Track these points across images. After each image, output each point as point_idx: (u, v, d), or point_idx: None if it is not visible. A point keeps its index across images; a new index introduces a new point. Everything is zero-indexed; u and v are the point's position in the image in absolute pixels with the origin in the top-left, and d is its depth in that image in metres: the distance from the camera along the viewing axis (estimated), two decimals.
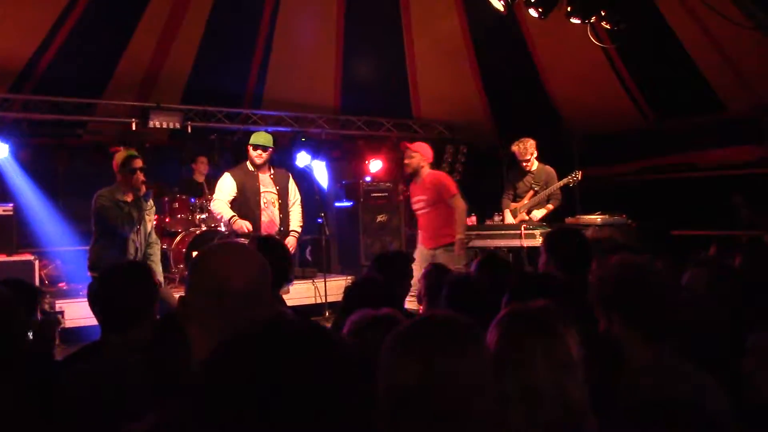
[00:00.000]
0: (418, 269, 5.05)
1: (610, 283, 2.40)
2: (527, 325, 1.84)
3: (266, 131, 6.93)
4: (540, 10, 6.36)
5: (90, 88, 8.50)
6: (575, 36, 7.26)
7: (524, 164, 7.42)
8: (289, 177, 6.75)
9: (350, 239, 9.97)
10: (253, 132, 9.52)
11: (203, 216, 8.49)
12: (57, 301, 7.15)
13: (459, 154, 10.74)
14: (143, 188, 5.70)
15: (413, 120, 10.60)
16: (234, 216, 6.29)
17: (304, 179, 7.12)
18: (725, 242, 4.26)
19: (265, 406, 0.97)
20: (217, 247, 1.78)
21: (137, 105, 8.58)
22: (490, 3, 6.39)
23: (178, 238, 8.36)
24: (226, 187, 6.44)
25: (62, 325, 6.79)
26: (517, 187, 7.63)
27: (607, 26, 6.62)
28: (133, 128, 8.51)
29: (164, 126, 8.47)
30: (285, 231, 6.51)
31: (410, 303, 4.68)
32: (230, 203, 6.42)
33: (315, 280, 8.72)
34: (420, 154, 6.94)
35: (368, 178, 10.51)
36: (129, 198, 5.69)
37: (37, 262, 7.60)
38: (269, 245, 3.96)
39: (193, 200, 8.56)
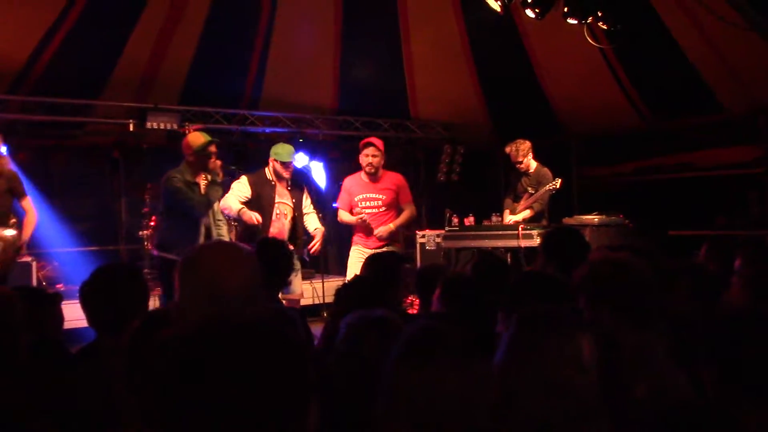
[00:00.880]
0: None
1: (594, 277, 2.40)
2: (543, 325, 1.86)
3: (266, 134, 6.93)
4: (537, 10, 6.36)
5: (87, 89, 8.49)
6: (572, 37, 7.26)
7: (518, 166, 7.43)
8: (304, 191, 6.76)
9: (348, 240, 9.95)
10: (251, 133, 9.61)
11: None
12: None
13: (457, 154, 10.74)
14: (221, 174, 5.78)
15: (411, 120, 10.60)
16: (242, 207, 6.25)
17: (302, 180, 7.11)
18: (720, 242, 4.23)
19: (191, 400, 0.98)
20: (208, 248, 1.77)
21: (135, 106, 8.58)
22: (487, 3, 6.39)
23: None
24: (240, 189, 6.40)
25: None
26: (517, 189, 7.64)
27: (604, 27, 6.62)
28: (131, 129, 8.51)
29: (162, 127, 8.46)
30: (299, 240, 6.53)
31: None
32: (247, 207, 6.37)
33: (313, 281, 8.72)
34: (383, 154, 6.88)
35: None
36: (199, 179, 5.69)
37: (34, 264, 7.61)
38: (270, 247, 3.96)
39: None
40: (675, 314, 2.59)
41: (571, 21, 6.47)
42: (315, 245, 6.57)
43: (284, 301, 6.11)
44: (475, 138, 10.75)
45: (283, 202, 6.48)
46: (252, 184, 6.40)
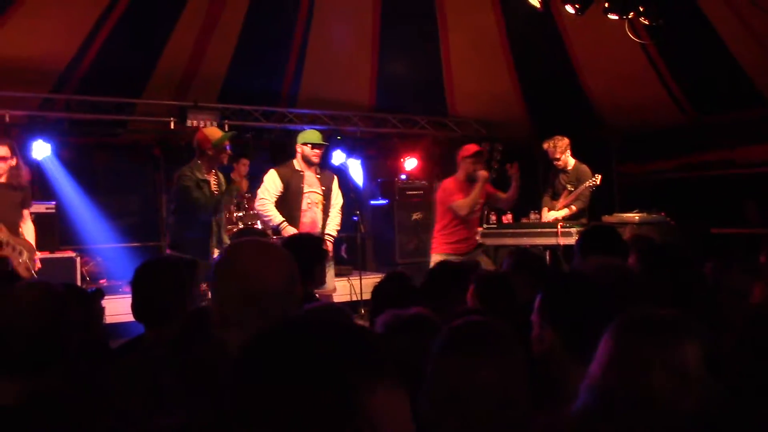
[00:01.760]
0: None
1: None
2: (650, 330, 1.78)
3: (311, 129, 6.88)
4: (577, 6, 6.31)
5: (129, 88, 8.63)
6: (613, 32, 7.18)
7: (556, 163, 7.38)
8: (334, 179, 6.66)
9: (385, 237, 9.99)
10: (290, 131, 9.67)
11: (240, 213, 8.56)
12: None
13: (495, 151, 10.66)
14: (238, 183, 5.97)
15: (449, 118, 10.57)
16: (284, 221, 6.19)
17: (340, 177, 7.10)
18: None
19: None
20: (244, 246, 1.77)
21: (175, 104, 8.69)
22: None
23: None
24: (272, 185, 6.32)
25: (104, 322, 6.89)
26: (555, 186, 7.59)
27: (646, 22, 6.54)
28: (172, 127, 8.63)
29: (202, 125, 8.56)
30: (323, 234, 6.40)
31: None
32: (277, 200, 6.34)
33: (351, 278, 8.76)
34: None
35: (403, 176, 10.51)
36: (210, 176, 5.72)
37: (78, 259, 7.75)
38: (297, 244, 3.96)
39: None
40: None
41: (612, 16, 6.41)
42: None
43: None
44: (513, 135, 10.67)
45: (312, 191, 6.39)
46: (281, 176, 6.33)
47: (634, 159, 10.17)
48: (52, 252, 7.67)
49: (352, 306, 8.41)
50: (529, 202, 8.35)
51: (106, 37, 7.94)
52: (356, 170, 9.97)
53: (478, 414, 1.56)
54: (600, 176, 7.16)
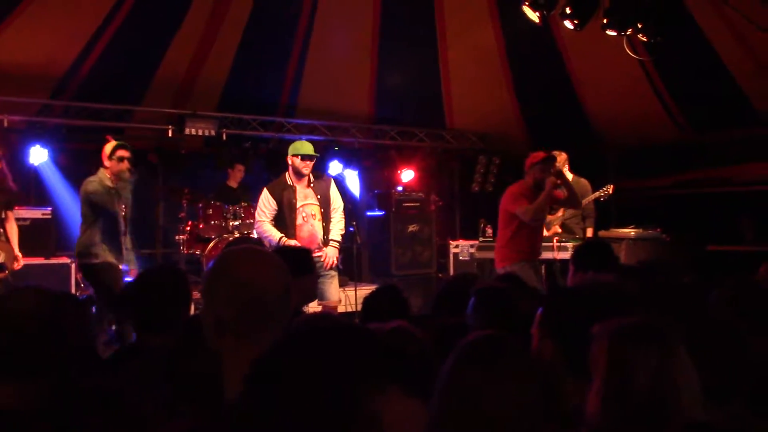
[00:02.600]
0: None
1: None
2: (642, 337, 1.86)
3: (304, 140, 6.77)
4: (576, 22, 6.33)
5: (128, 95, 8.64)
6: (611, 48, 7.21)
7: None
8: (330, 183, 6.45)
9: (382, 248, 9.98)
10: (287, 140, 9.68)
11: (236, 222, 8.55)
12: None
13: (492, 165, 10.71)
14: (127, 173, 5.93)
15: (446, 130, 10.60)
16: (282, 237, 6.09)
17: (337, 188, 7.06)
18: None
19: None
20: (239, 252, 1.77)
21: (174, 112, 8.71)
22: (525, 14, 6.38)
23: (211, 244, 8.43)
24: (266, 205, 6.18)
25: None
26: None
27: (644, 39, 6.56)
28: (170, 135, 8.64)
29: (200, 133, 8.58)
30: (327, 241, 6.28)
31: None
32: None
33: (346, 289, 8.74)
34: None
35: (400, 188, 10.52)
36: (114, 185, 5.91)
37: (73, 266, 7.71)
38: (284, 257, 3.91)
39: (226, 206, 8.63)
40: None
41: (610, 33, 6.43)
42: (321, 257, 6.11)
43: (321, 308, 6.11)
44: (510, 149, 10.71)
45: (307, 203, 6.20)
46: (273, 194, 6.18)
47: (631, 175, 10.18)
48: (47, 258, 7.65)
49: (347, 317, 8.39)
50: None
51: (106, 44, 7.97)
52: (353, 181, 9.97)
53: (493, 428, 1.57)
54: (612, 186, 7.18)
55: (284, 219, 6.14)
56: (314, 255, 5.67)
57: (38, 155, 7.92)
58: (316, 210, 6.23)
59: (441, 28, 9.03)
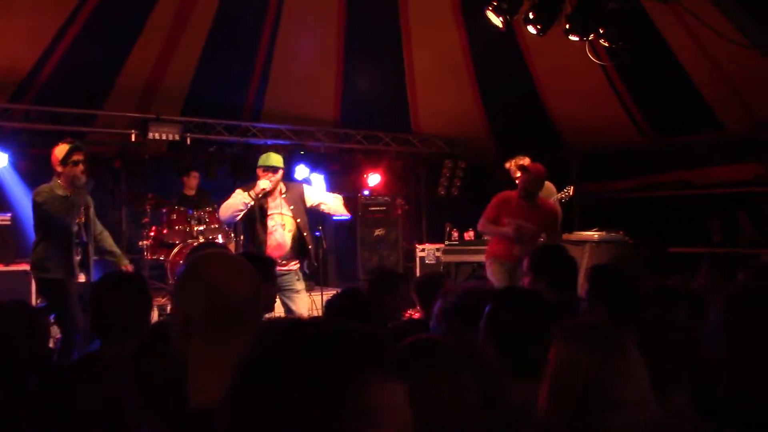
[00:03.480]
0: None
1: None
2: (586, 336, 1.92)
3: (271, 151, 6.62)
4: (538, 27, 6.38)
5: (90, 99, 8.52)
6: (574, 53, 7.28)
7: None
8: (302, 188, 6.38)
9: (348, 252, 9.98)
10: (253, 145, 9.64)
11: (201, 228, 8.49)
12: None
13: (457, 169, 10.76)
14: (83, 178, 5.48)
15: (412, 134, 10.63)
16: (245, 191, 5.96)
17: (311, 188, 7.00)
18: (722, 260, 4.24)
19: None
20: (210, 257, 1.76)
21: (137, 116, 8.61)
22: (489, 19, 6.42)
23: (176, 250, 8.36)
24: (232, 199, 6.07)
25: (58, 336, 6.77)
26: None
27: (606, 44, 6.64)
28: (133, 140, 8.54)
29: (163, 138, 8.49)
30: (303, 253, 6.19)
31: None
32: (241, 219, 6.14)
33: (312, 293, 8.70)
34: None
35: (366, 192, 10.52)
36: (68, 192, 5.47)
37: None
38: (253, 262, 3.87)
39: (191, 212, 8.56)
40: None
41: (573, 38, 6.49)
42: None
43: None
44: (476, 153, 10.78)
45: (277, 212, 6.09)
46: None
47: (594, 178, 10.31)
48: (6, 265, 7.53)
49: None
50: None
51: (67, 47, 7.84)
52: (319, 185, 9.95)
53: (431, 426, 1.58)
54: (572, 187, 7.24)
55: (254, 223, 6.03)
56: (280, 268, 5.71)
57: None
58: (287, 221, 6.12)
59: (406, 33, 9.05)
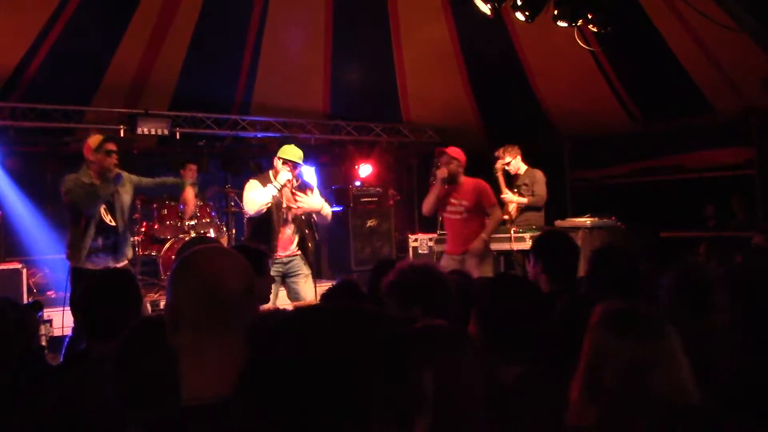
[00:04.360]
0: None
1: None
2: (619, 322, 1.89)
3: (258, 139, 6.63)
4: (527, 13, 6.35)
5: (78, 95, 8.46)
6: (563, 39, 7.27)
7: (507, 169, 7.53)
8: (312, 189, 6.42)
9: (340, 244, 9.95)
10: (243, 138, 9.60)
11: (192, 222, 8.45)
12: (45, 310, 7.08)
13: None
14: (115, 170, 5.49)
15: (403, 125, 10.60)
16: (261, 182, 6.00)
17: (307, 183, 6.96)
18: (715, 243, 4.25)
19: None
20: (204, 251, 1.75)
21: (125, 112, 8.56)
22: (477, 7, 6.38)
23: (167, 245, 8.32)
24: (256, 188, 6.04)
25: (50, 333, 6.76)
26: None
27: (594, 29, 6.62)
28: (122, 135, 8.48)
29: (152, 132, 8.44)
30: (304, 245, 6.20)
31: None
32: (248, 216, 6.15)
33: None
34: (459, 160, 6.61)
35: (358, 183, 10.50)
36: (96, 181, 5.46)
37: (24, 271, 7.55)
38: (247, 254, 3.86)
39: (182, 207, 8.51)
40: None
41: (561, 24, 6.47)
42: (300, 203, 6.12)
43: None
44: (467, 142, 10.73)
45: (292, 207, 6.15)
46: (263, 184, 6.06)
47: (586, 165, 10.32)
48: None
49: None
50: None
51: (53, 43, 7.78)
52: (310, 177, 9.91)
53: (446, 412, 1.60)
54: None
55: (270, 216, 6.01)
56: (287, 254, 6.04)
57: None
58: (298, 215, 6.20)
59: (394, 23, 9.01)
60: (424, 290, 2.72)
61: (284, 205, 6.12)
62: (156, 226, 8.54)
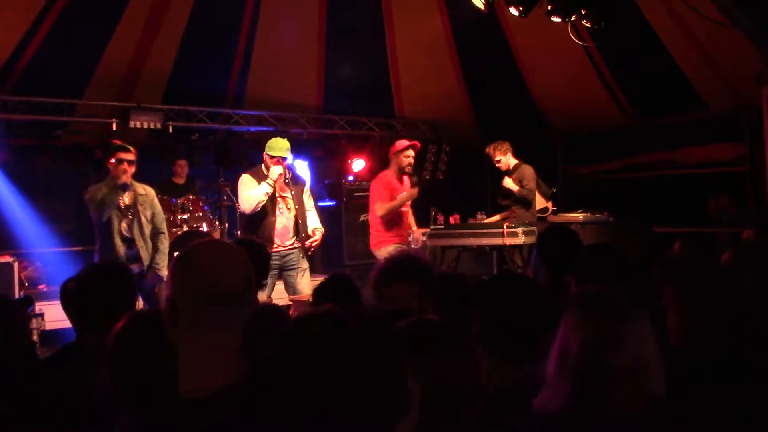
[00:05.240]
0: None
1: None
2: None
3: (251, 133, 6.68)
4: (520, 8, 6.36)
5: (70, 88, 8.42)
6: (556, 34, 7.27)
7: (497, 164, 7.55)
8: (304, 186, 6.53)
9: (333, 239, 9.94)
10: (235, 132, 9.57)
11: (185, 216, 8.43)
12: (37, 304, 7.06)
13: (442, 153, 10.74)
14: (123, 177, 5.61)
15: (396, 119, 10.59)
16: (253, 177, 6.11)
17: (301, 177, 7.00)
18: (702, 239, 4.27)
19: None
20: (203, 245, 1.75)
21: (117, 105, 8.51)
22: (470, 1, 6.38)
23: None
24: (249, 184, 6.14)
25: (42, 327, 6.74)
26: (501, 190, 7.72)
27: (588, 24, 6.63)
28: (114, 129, 8.44)
29: (145, 126, 8.40)
30: (302, 235, 6.25)
31: None
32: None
33: None
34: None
35: (351, 178, 10.49)
36: (108, 188, 5.67)
37: (16, 264, 7.52)
38: (248, 247, 3.88)
39: (174, 200, 8.49)
40: None
41: (555, 19, 6.48)
42: (313, 243, 6.31)
43: (292, 303, 6.08)
44: (460, 137, 10.76)
45: (284, 196, 6.23)
46: (255, 179, 6.15)
47: (578, 160, 10.34)
48: None
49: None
50: (476, 203, 8.42)
51: (44, 35, 7.74)
52: (303, 172, 9.90)
53: (439, 405, 1.60)
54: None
55: (264, 207, 6.08)
56: (285, 248, 6.10)
57: None
58: (291, 204, 6.27)
59: (388, 17, 9.00)
60: (408, 268, 2.86)
61: (277, 197, 6.17)
62: None
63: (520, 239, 6.68)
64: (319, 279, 8.51)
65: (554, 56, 8.63)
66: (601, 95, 9.10)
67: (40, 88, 8.08)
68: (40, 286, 8.38)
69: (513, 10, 6.40)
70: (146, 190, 5.93)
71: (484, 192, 8.68)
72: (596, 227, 7.28)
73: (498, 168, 7.66)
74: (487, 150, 7.65)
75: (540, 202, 7.80)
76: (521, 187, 7.38)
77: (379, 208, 6.67)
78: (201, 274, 1.62)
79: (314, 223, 6.47)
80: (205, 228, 8.49)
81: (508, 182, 7.44)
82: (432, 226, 7.95)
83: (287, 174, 6.24)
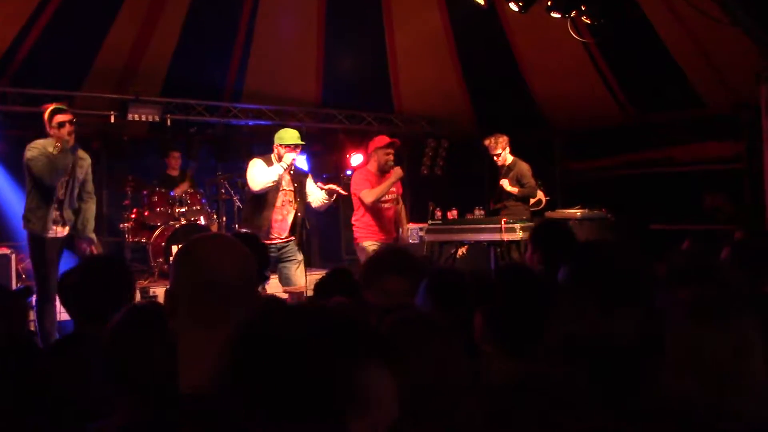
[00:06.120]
0: None
1: None
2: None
3: (249, 127, 6.66)
4: (520, 4, 6.37)
5: (68, 80, 8.40)
6: (556, 31, 7.28)
7: (495, 159, 7.54)
8: (307, 177, 6.49)
9: (331, 233, 9.97)
10: (234, 125, 9.57)
11: (182, 209, 8.43)
12: (34, 296, 7.06)
13: (440, 148, 10.74)
14: (71, 140, 5.53)
15: (395, 114, 10.58)
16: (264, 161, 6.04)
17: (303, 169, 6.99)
18: (702, 237, 4.27)
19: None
20: (205, 239, 1.75)
21: (116, 98, 8.49)
22: None
23: (157, 232, 8.30)
24: (262, 166, 6.07)
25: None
26: (498, 189, 7.72)
27: (587, 21, 6.64)
28: (112, 121, 8.43)
29: (143, 119, 8.39)
30: (295, 231, 6.26)
31: None
32: (249, 196, 6.26)
33: None
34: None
35: (349, 172, 10.48)
36: (57, 152, 5.49)
37: (13, 256, 7.51)
38: (248, 242, 3.89)
39: (172, 193, 8.50)
40: None
41: (555, 15, 6.50)
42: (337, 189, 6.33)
43: (287, 295, 6.10)
44: (458, 132, 10.76)
45: (288, 189, 6.23)
46: (267, 164, 6.09)
47: (576, 157, 10.35)
48: None
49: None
50: (474, 199, 8.42)
51: (43, 27, 7.72)
52: (302, 166, 9.89)
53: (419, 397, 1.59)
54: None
55: (266, 197, 6.08)
56: (282, 239, 6.14)
57: None
58: (292, 198, 6.27)
59: (387, 12, 8.99)
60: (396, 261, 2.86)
61: (281, 187, 6.16)
62: (146, 213, 8.52)
63: (518, 235, 6.69)
64: (317, 273, 8.56)
65: (554, 52, 8.63)
66: (600, 92, 9.10)
67: (39, 80, 8.06)
68: None
69: (513, 6, 6.42)
70: (84, 155, 5.86)
71: (483, 187, 8.67)
72: (594, 224, 7.30)
73: (495, 163, 7.66)
74: (485, 142, 7.62)
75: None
76: (521, 186, 7.38)
77: (367, 195, 6.54)
78: (201, 268, 1.62)
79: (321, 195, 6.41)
80: (202, 221, 8.50)
81: (506, 184, 7.44)
82: (430, 222, 7.96)
83: (292, 168, 6.20)
